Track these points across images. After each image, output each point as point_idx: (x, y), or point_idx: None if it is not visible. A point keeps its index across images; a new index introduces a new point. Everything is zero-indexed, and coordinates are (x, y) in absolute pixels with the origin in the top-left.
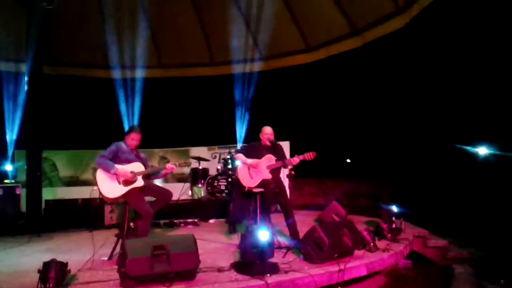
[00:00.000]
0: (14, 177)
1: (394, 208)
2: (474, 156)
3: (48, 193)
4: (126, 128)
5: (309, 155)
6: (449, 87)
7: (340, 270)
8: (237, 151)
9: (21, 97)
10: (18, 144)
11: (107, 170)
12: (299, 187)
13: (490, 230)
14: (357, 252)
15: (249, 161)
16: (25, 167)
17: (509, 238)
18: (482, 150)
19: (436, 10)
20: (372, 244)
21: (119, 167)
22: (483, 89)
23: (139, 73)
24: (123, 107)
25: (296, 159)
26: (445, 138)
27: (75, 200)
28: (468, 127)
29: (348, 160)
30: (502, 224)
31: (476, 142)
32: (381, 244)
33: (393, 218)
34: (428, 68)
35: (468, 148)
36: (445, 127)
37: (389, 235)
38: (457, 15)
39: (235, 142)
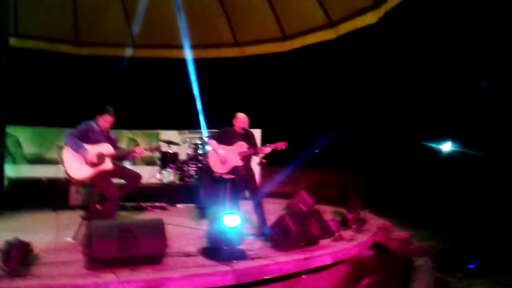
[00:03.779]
0: None
1: None
2: (439, 152)
3: (10, 170)
4: (94, 107)
5: (280, 145)
6: (420, 84)
7: (305, 259)
8: (210, 137)
9: None
10: None
11: (76, 150)
12: (268, 175)
13: (452, 224)
14: (322, 241)
15: (220, 151)
16: None
17: (468, 233)
18: (447, 146)
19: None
20: (337, 234)
21: (88, 148)
22: (451, 87)
23: (110, 51)
24: (92, 85)
25: (268, 148)
26: (413, 133)
27: (40, 178)
28: (435, 123)
29: (317, 151)
30: (463, 219)
31: (441, 139)
32: (346, 234)
33: (359, 210)
34: (398, 64)
35: (434, 144)
36: (413, 123)
37: (354, 225)
38: (426, 14)
39: (206, 128)
